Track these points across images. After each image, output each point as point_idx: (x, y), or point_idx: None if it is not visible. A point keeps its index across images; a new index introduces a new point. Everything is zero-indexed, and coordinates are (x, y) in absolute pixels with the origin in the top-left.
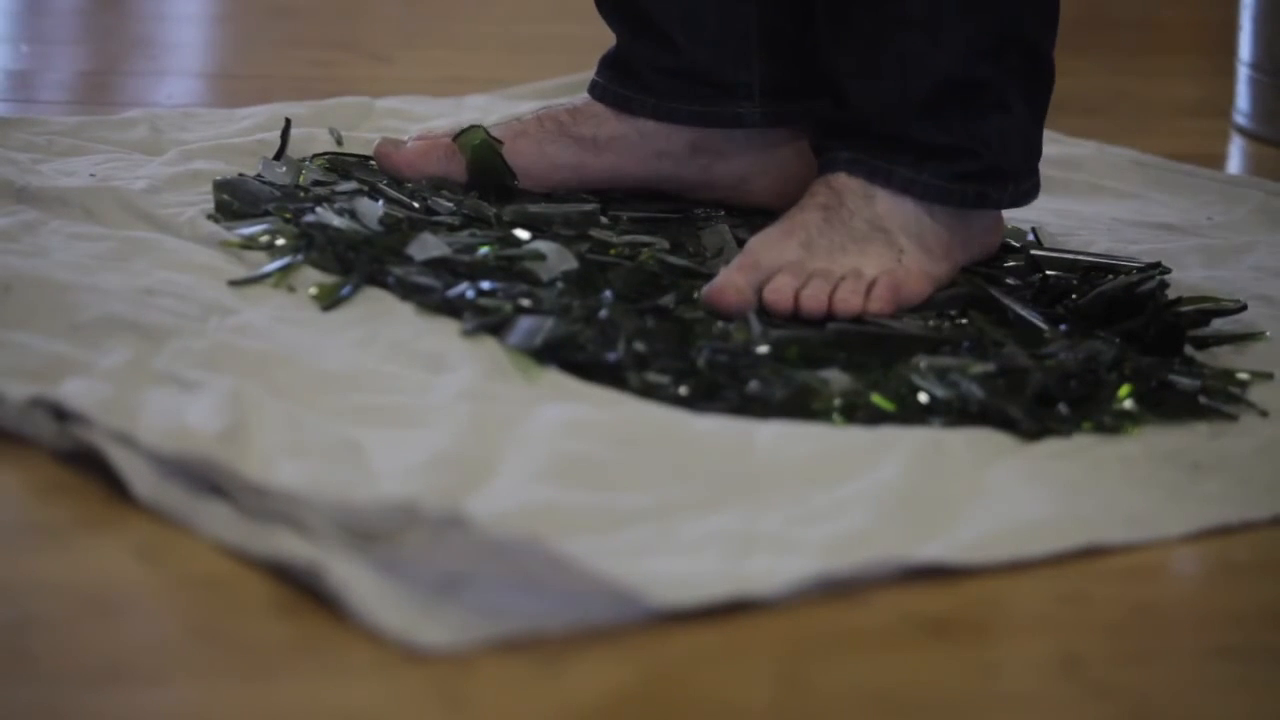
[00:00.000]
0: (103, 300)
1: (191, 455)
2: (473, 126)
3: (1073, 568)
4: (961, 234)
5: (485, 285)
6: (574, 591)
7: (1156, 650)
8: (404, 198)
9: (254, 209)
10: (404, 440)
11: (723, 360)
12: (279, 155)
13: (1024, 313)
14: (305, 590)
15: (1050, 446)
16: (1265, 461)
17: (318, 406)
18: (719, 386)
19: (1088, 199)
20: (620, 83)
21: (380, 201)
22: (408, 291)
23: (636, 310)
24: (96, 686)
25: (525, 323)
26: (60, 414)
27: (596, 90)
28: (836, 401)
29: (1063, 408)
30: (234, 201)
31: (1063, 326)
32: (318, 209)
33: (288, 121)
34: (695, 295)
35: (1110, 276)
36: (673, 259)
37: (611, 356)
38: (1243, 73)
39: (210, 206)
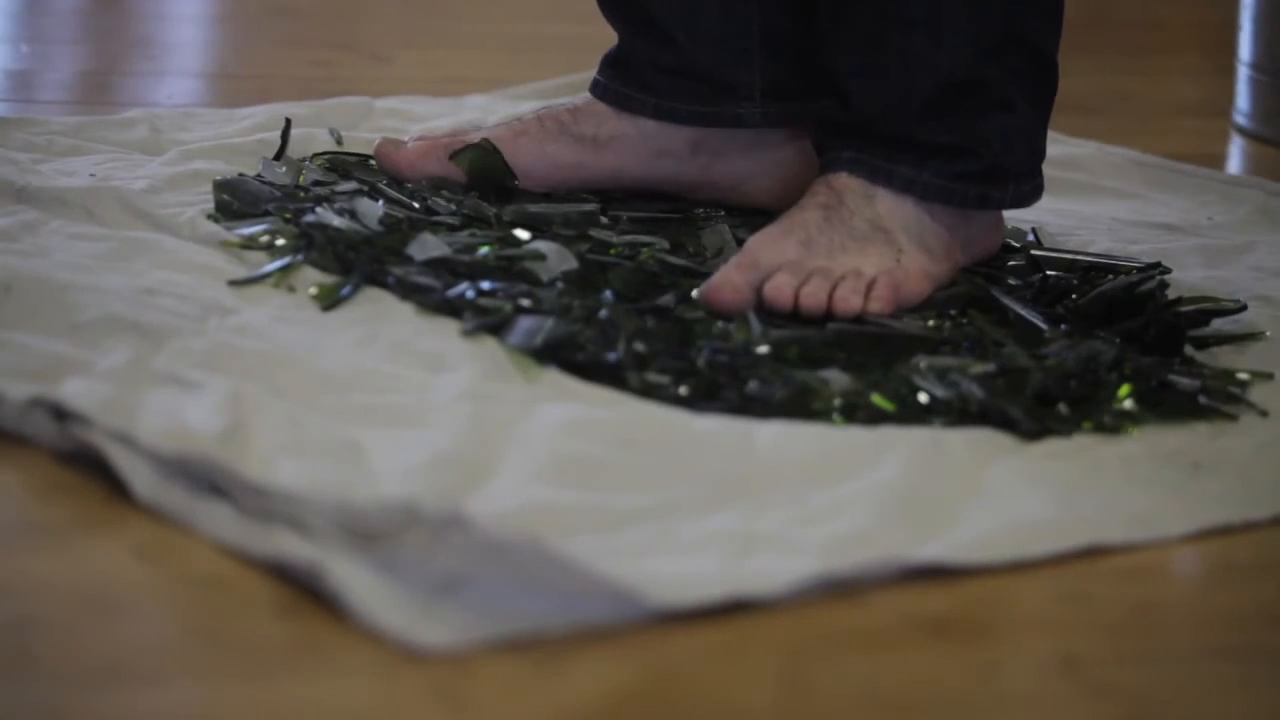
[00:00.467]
0: (103, 300)
1: (191, 455)
2: (468, 147)
3: (1073, 568)
4: (962, 234)
5: (485, 285)
6: (574, 591)
7: (1156, 650)
8: (404, 198)
9: (254, 209)
10: (404, 440)
11: (723, 360)
12: (279, 155)
13: (1024, 313)
14: (305, 590)
15: (1050, 446)
16: (1265, 461)
17: (318, 406)
18: (719, 386)
19: (1088, 199)
20: (621, 82)
21: (380, 201)
22: (408, 291)
23: (636, 310)
24: (96, 686)
25: (525, 323)
26: (60, 414)
27: (598, 89)
28: (836, 401)
29: (1063, 408)
30: (234, 201)
31: (1063, 326)
32: (318, 209)
33: (288, 121)
34: (694, 294)
35: (1110, 276)
36: (672, 259)
37: (611, 356)
38: (1243, 73)
39: (210, 206)
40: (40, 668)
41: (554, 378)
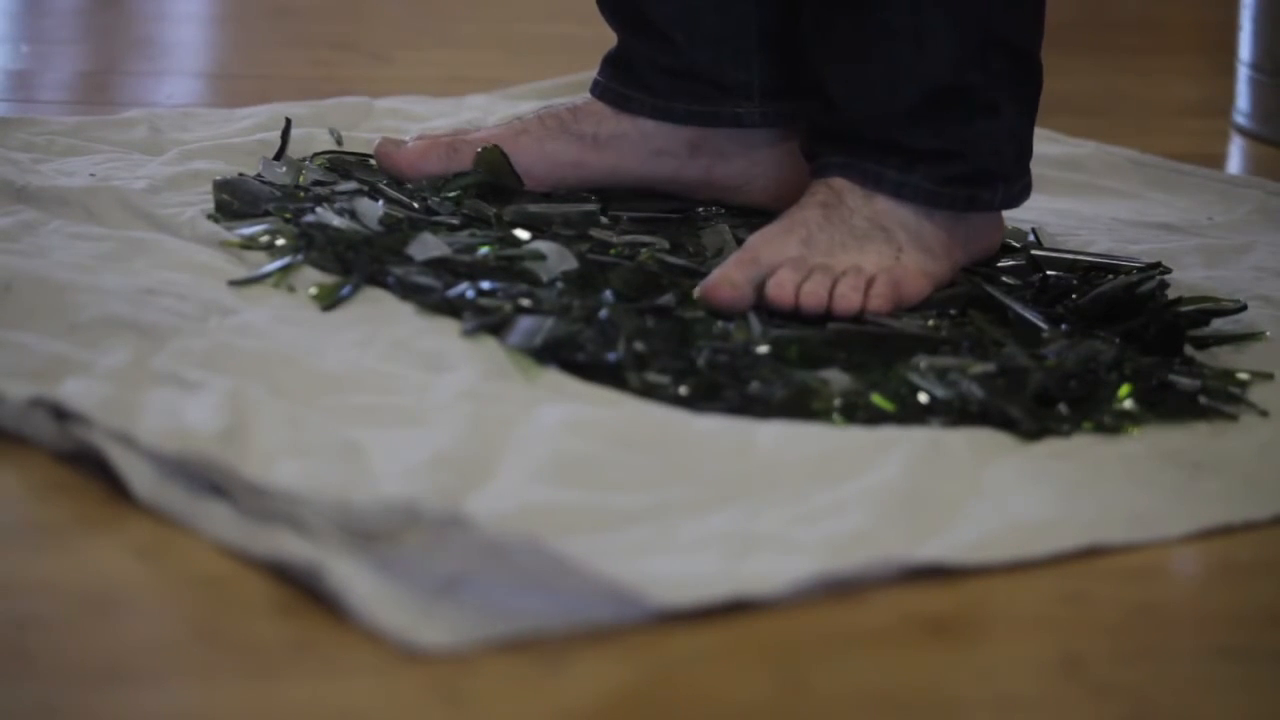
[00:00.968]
0: (102, 300)
1: (191, 455)
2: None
3: (1073, 568)
4: (961, 234)
5: (485, 285)
6: (574, 591)
7: (1157, 650)
8: (404, 198)
9: (254, 209)
10: (404, 440)
11: (723, 360)
12: (279, 155)
13: (1024, 313)
14: (305, 590)
15: (1050, 446)
16: (1265, 461)
17: (318, 406)
18: (719, 386)
19: (1088, 199)
20: (620, 81)
21: (380, 201)
22: (408, 291)
23: (636, 310)
24: (96, 686)
25: (525, 323)
26: (60, 414)
27: (597, 89)
28: (836, 401)
29: (1063, 408)
30: (234, 201)
31: (1063, 326)
32: (318, 209)
33: (288, 121)
34: (695, 293)
35: (1110, 276)
36: (672, 259)
37: (611, 356)
38: (1243, 73)
39: (210, 206)
40: (39, 667)
41: (554, 378)
